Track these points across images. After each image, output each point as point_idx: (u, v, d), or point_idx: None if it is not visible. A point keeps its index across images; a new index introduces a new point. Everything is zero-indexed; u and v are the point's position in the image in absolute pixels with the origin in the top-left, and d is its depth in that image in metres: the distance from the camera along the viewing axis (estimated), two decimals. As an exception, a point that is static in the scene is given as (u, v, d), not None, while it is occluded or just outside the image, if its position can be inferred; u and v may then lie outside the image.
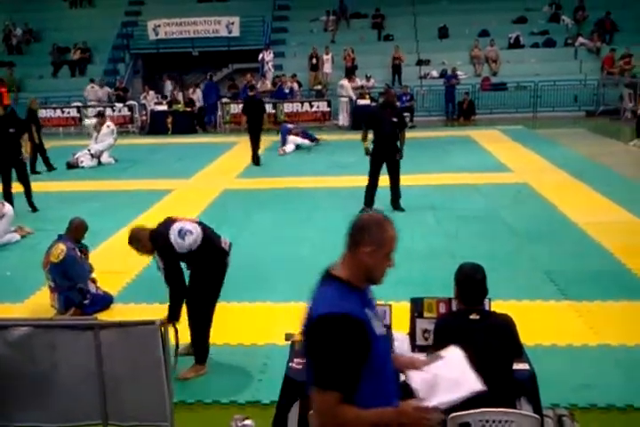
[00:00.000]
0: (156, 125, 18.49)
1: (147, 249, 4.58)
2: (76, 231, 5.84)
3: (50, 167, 12.89)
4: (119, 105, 19.41)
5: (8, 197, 9.12)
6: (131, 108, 19.37)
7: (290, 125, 15.24)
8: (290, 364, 3.70)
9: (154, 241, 4.51)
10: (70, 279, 5.68)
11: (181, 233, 4.48)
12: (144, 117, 19.39)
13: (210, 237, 4.60)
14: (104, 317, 5.14)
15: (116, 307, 5.91)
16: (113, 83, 21.21)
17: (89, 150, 13.45)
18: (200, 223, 4.70)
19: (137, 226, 4.84)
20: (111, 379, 3.30)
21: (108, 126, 13.86)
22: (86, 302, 5.74)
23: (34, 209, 9.54)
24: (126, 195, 10.15)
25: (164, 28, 21.79)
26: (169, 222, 4.59)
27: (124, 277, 6.61)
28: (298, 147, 14.51)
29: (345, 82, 18.64)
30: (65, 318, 3.70)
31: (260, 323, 5.50)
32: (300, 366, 3.65)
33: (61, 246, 5.65)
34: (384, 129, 8.60)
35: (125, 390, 3.31)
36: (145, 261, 6.73)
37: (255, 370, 4.73)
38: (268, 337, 5.14)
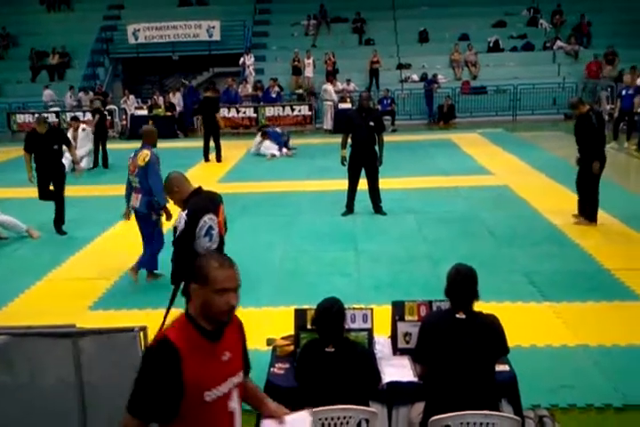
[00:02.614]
0: (136, 130, 18.21)
1: (178, 201, 4.49)
2: (148, 137, 6.31)
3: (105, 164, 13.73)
4: (99, 110, 19.23)
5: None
6: (111, 113, 19.22)
7: (278, 129, 15.12)
8: (271, 369, 3.69)
9: (190, 204, 4.40)
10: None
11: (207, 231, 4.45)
12: (124, 122, 19.26)
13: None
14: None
15: (95, 313, 5.85)
16: (92, 87, 21.05)
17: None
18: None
19: (179, 175, 4.55)
20: (90, 387, 3.26)
21: (84, 130, 13.69)
22: (161, 212, 6.27)
23: (59, 230, 8.56)
24: (105, 200, 10.04)
25: (144, 33, 21.70)
26: (206, 208, 4.47)
27: (103, 284, 6.55)
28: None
29: (328, 86, 18.71)
30: (43, 326, 3.60)
31: (241, 328, 5.46)
32: (282, 371, 3.65)
33: (146, 151, 6.21)
34: (361, 133, 8.57)
35: (105, 398, 3.28)
36: (124, 267, 6.73)
37: (237, 375, 4.69)
38: (249, 342, 5.09)
